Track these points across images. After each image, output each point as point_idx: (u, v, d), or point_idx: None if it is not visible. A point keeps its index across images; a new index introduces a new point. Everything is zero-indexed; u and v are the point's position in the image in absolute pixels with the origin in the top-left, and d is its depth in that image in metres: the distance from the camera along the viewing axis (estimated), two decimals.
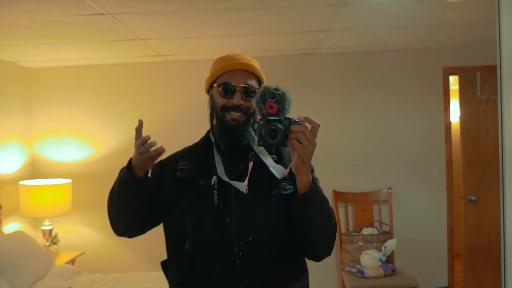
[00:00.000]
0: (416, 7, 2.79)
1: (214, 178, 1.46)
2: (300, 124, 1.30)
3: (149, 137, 1.35)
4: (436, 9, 2.86)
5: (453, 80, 4.26)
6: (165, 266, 1.58)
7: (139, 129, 1.38)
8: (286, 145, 1.31)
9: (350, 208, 4.01)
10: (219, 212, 1.43)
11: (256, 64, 1.54)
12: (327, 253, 1.49)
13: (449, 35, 3.57)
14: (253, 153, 1.47)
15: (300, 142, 1.27)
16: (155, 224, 1.58)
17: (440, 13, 2.97)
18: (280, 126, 1.30)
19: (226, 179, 1.44)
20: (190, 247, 1.44)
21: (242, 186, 1.40)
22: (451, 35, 3.56)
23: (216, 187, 1.45)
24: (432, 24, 3.22)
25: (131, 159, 1.41)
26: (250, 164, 1.43)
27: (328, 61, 4.07)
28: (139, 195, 1.44)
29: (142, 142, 1.34)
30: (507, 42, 0.94)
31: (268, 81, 1.47)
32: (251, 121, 1.50)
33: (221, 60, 1.54)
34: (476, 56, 3.95)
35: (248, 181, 1.42)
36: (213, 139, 1.55)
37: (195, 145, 1.61)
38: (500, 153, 0.88)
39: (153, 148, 1.34)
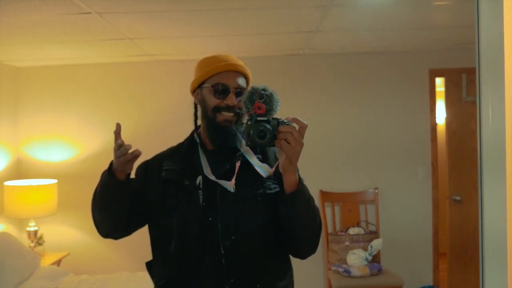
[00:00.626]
0: (402, 9, 2.82)
1: (199, 178, 1.47)
2: (288, 124, 1.31)
3: (122, 142, 1.34)
4: (422, 11, 2.89)
5: (440, 82, 4.31)
6: (150, 266, 1.58)
7: (117, 132, 1.37)
8: (274, 145, 1.32)
9: (337, 208, 4.03)
10: (204, 212, 1.44)
11: (243, 64, 1.56)
12: (312, 251, 1.51)
13: (435, 37, 3.61)
14: (240, 152, 1.48)
15: (288, 143, 1.28)
16: (141, 225, 1.58)
17: (426, 16, 3.01)
18: (268, 126, 1.31)
19: (213, 178, 1.45)
20: (175, 247, 1.44)
21: (229, 185, 1.42)
22: (438, 37, 3.60)
23: (201, 187, 1.46)
24: (418, 26, 3.26)
25: (112, 162, 1.41)
26: (238, 164, 1.44)
27: (316, 62, 4.09)
28: (121, 198, 1.44)
29: (117, 146, 1.34)
30: (485, 45, 0.96)
31: (256, 82, 1.48)
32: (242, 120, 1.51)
33: (211, 61, 1.54)
34: (462, 58, 4.00)
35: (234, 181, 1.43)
36: (197, 140, 1.56)
37: (179, 145, 1.61)
38: (478, 155, 0.90)
39: (130, 151, 1.34)
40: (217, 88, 1.49)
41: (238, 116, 1.49)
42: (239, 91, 1.50)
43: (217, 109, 1.49)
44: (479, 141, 0.94)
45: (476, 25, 0.97)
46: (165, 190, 1.49)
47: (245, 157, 1.48)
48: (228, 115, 1.48)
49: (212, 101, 1.50)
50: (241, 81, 1.52)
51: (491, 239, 0.91)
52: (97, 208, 1.49)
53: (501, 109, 0.87)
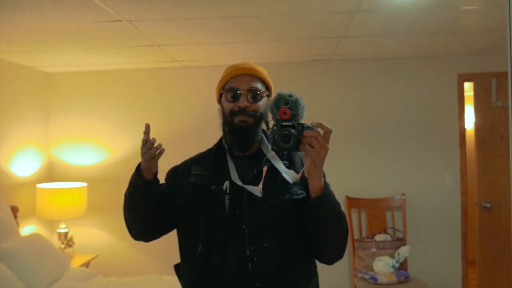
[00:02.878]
0: (429, 14, 2.79)
1: (227, 183, 1.51)
2: (312, 129, 1.32)
3: (148, 138, 1.39)
4: (450, 16, 2.86)
5: (468, 87, 4.24)
6: (178, 269, 1.61)
7: (146, 133, 1.41)
8: (299, 150, 1.33)
9: (363, 214, 4.00)
10: (230, 216, 1.47)
11: (262, 70, 1.59)
12: (339, 256, 1.51)
13: (463, 42, 3.56)
14: (266, 158, 1.50)
15: (312, 147, 1.29)
16: (170, 229, 1.62)
17: (454, 20, 2.97)
18: (293, 131, 1.33)
19: (239, 183, 1.48)
20: (202, 250, 1.47)
21: (257, 190, 1.44)
22: (466, 41, 3.55)
23: (228, 192, 1.49)
24: (446, 31, 3.22)
25: (140, 163, 1.45)
26: (265, 169, 1.46)
27: (342, 68, 4.08)
28: (148, 198, 1.48)
29: (143, 143, 1.39)
30: None
31: (282, 88, 1.50)
32: (262, 124, 1.54)
33: (229, 67, 1.59)
34: (491, 62, 3.93)
35: (261, 186, 1.45)
36: (226, 146, 1.60)
37: (208, 151, 1.64)
38: (511, 159, 0.89)
39: (155, 145, 1.39)
40: (229, 92, 1.53)
41: (255, 118, 1.51)
42: (253, 94, 1.52)
43: (233, 113, 1.51)
44: (511, 147, 0.94)
45: (508, 29, 0.96)
46: (193, 194, 1.52)
47: (271, 162, 1.50)
48: (243, 117, 1.50)
49: (228, 105, 1.53)
50: (255, 84, 1.54)
51: None
52: (127, 208, 1.54)
53: None
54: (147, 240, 1.61)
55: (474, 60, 4.00)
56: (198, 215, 1.50)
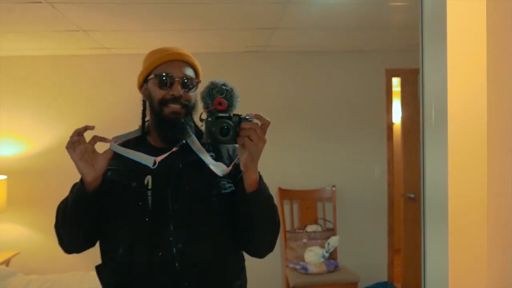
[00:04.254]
0: (360, 9, 2.85)
1: (148, 178, 1.40)
2: (250, 121, 1.26)
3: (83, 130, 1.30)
4: (379, 11, 2.93)
5: (396, 82, 4.40)
6: (99, 271, 1.49)
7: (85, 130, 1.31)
8: (236, 143, 1.27)
9: (295, 206, 4.05)
10: (154, 214, 1.37)
11: (192, 56, 1.50)
12: (270, 249, 1.47)
13: (392, 37, 3.68)
14: (184, 142, 1.41)
15: (251, 140, 1.23)
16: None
17: (382, 15, 3.05)
18: (231, 123, 1.26)
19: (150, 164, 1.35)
20: (124, 251, 1.37)
21: (148, 159, 1.34)
22: (394, 37, 3.67)
23: (150, 187, 1.39)
24: (375, 26, 3.31)
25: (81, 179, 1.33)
26: (175, 148, 1.38)
27: (275, 60, 4.09)
28: (94, 208, 1.36)
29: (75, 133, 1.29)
30: (428, 47, 0.98)
31: (213, 78, 1.41)
32: (193, 115, 1.45)
33: (155, 52, 1.48)
34: (418, 58, 4.08)
35: (186, 180, 1.39)
36: (146, 137, 1.50)
37: (126, 143, 1.47)
38: (421, 160, 0.92)
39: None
40: (161, 78, 1.41)
41: (187, 108, 1.42)
42: (186, 82, 1.43)
43: (164, 101, 1.40)
44: (421, 144, 0.96)
45: (420, 27, 0.99)
46: (111, 192, 1.39)
47: (188, 144, 1.42)
48: (175, 106, 1.40)
49: (158, 93, 1.41)
50: (188, 71, 1.45)
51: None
52: (66, 225, 1.38)
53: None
54: (81, 251, 1.46)
55: (402, 56, 4.14)
56: (118, 214, 1.39)
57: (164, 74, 1.41)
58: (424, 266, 0.90)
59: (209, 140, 1.28)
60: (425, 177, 0.91)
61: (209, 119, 1.27)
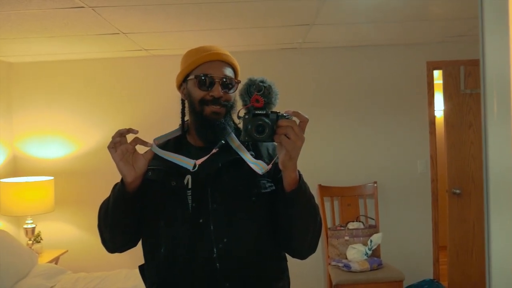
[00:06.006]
0: (398, 1, 2.78)
1: (188, 177, 1.39)
2: (288, 118, 1.24)
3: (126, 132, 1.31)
4: (420, 3, 2.86)
5: (437, 74, 4.28)
6: (142, 270, 1.51)
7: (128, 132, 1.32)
8: (273, 141, 1.24)
9: (336, 203, 4.01)
10: (194, 213, 1.37)
11: (231, 55, 1.48)
12: (312, 250, 1.43)
13: (432, 29, 3.58)
14: (223, 142, 1.40)
15: (288, 137, 1.20)
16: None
17: (423, 8, 2.97)
18: (267, 120, 1.23)
19: (189, 167, 1.35)
20: (165, 251, 1.37)
21: (189, 162, 1.34)
22: (435, 29, 3.57)
23: (190, 187, 1.39)
24: (415, 19, 3.22)
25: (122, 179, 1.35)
26: (214, 150, 1.36)
27: (313, 56, 4.05)
28: (135, 210, 1.38)
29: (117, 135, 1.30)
30: (490, 37, 0.93)
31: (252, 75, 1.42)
32: (232, 114, 1.44)
33: (194, 52, 1.46)
34: (459, 50, 3.97)
35: (226, 180, 1.38)
36: (186, 136, 1.50)
37: (166, 143, 1.46)
38: (483, 153, 0.88)
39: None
40: (201, 79, 1.40)
41: (227, 108, 1.41)
42: (226, 82, 1.41)
43: (203, 101, 1.40)
44: (483, 135, 0.92)
45: (480, 18, 0.94)
46: (151, 192, 1.40)
47: (228, 143, 1.41)
48: (215, 107, 1.39)
49: (198, 93, 1.40)
50: (227, 72, 1.43)
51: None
52: (108, 225, 1.41)
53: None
54: (123, 251, 1.49)
55: (443, 48, 4.03)
56: (159, 214, 1.39)
57: (203, 75, 1.40)
58: (489, 264, 0.86)
59: (246, 138, 1.26)
60: (488, 172, 0.87)
61: (246, 116, 1.26)
